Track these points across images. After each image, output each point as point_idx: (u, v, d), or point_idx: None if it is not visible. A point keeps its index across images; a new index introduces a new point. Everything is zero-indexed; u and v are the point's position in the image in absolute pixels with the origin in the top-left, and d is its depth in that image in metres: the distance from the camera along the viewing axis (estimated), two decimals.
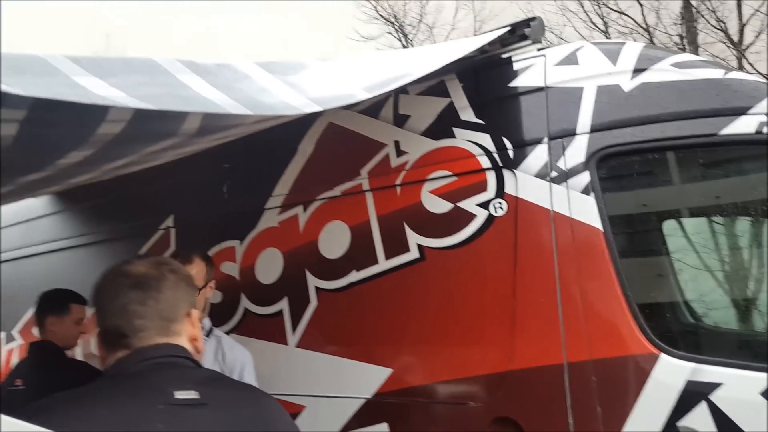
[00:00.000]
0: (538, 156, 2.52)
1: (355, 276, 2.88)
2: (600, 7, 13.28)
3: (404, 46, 15.53)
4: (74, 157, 1.70)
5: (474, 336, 2.58)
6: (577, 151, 2.46)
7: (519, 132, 2.60)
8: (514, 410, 2.41)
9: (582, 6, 13.37)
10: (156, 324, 1.41)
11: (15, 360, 4.34)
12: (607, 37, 13.04)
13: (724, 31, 11.88)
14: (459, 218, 2.65)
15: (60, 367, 3.13)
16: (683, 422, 2.13)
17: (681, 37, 12.39)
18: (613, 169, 2.46)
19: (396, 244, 2.79)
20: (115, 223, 3.98)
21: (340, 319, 2.94)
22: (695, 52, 11.93)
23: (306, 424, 2.86)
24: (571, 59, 2.57)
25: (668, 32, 12.62)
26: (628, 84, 2.44)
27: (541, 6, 13.34)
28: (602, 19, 13.31)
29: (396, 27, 15.76)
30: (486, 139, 2.64)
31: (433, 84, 2.78)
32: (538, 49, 2.68)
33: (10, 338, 4.51)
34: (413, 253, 2.75)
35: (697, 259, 2.52)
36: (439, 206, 2.71)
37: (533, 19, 2.74)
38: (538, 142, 2.53)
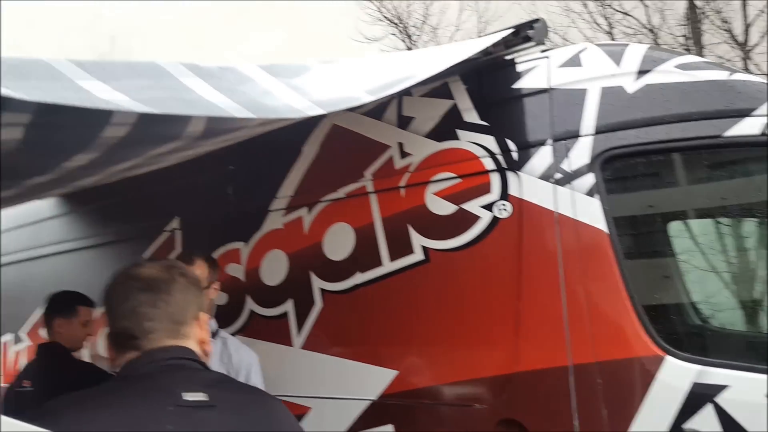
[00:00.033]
0: (543, 158, 2.52)
1: (359, 278, 2.89)
2: (604, 8, 13.25)
3: (408, 48, 15.52)
4: (79, 160, 1.71)
5: (479, 338, 2.58)
6: (581, 153, 2.46)
7: (523, 134, 2.60)
8: (520, 412, 2.41)
9: (586, 7, 13.35)
10: (166, 326, 1.43)
11: (23, 361, 4.36)
12: (612, 38, 13.00)
13: (729, 31, 11.84)
14: (463, 220, 2.65)
15: (67, 368, 3.14)
16: (689, 424, 2.12)
17: (686, 37, 12.35)
18: (617, 170, 2.46)
19: (400, 246, 2.79)
20: (121, 225, 4.00)
21: (344, 321, 2.95)
22: (700, 52, 11.89)
23: (311, 426, 2.86)
24: (574, 61, 2.57)
25: (673, 33, 12.59)
26: (632, 85, 2.43)
27: (545, 7, 13.32)
28: (606, 20, 13.29)
29: (400, 28, 15.76)
30: (490, 141, 2.65)
31: (437, 86, 2.79)
32: (542, 51, 2.68)
33: (17, 339, 4.53)
34: (417, 255, 2.75)
35: (702, 261, 2.52)
36: (443, 208, 2.71)
37: (537, 20, 2.74)
38: (542, 143, 2.53)
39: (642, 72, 2.44)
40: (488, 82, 2.74)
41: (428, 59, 2.41)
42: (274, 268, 3.17)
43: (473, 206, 2.64)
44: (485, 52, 2.67)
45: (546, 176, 2.50)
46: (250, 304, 3.25)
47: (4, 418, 1.00)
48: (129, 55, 18.43)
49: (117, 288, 1.46)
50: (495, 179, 2.61)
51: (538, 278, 2.46)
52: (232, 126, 1.75)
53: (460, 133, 2.72)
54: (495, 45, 2.68)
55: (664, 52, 2.71)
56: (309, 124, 2.99)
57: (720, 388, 2.11)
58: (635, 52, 2.50)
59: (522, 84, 2.63)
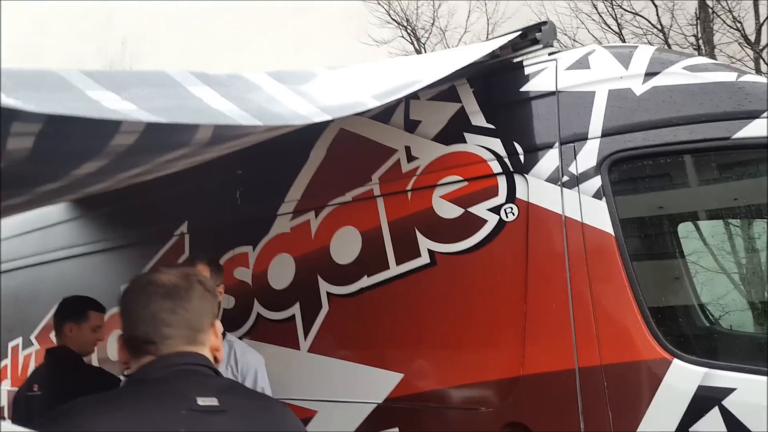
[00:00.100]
0: (550, 160, 2.52)
1: (366, 281, 2.90)
2: (614, 9, 13.20)
3: (417, 50, 15.52)
4: (89, 167, 1.73)
5: (485, 341, 2.58)
6: (588, 156, 2.46)
7: (530, 137, 2.60)
8: (526, 415, 2.40)
9: (596, 8, 13.29)
10: (183, 333, 1.46)
11: (32, 366, 4.40)
12: (622, 39, 12.94)
13: (741, 30, 11.75)
14: (470, 223, 2.65)
15: (77, 372, 3.17)
16: (695, 428, 2.12)
17: (696, 37, 12.27)
18: (624, 173, 2.46)
19: (407, 250, 2.80)
20: (130, 229, 4.03)
21: (351, 324, 2.96)
22: (711, 52, 11.81)
23: (318, 429, 2.87)
24: (582, 63, 2.57)
25: (683, 32, 12.52)
26: (640, 88, 2.43)
27: (554, 7, 13.27)
28: (616, 20, 13.22)
29: (408, 30, 15.77)
30: (497, 144, 2.65)
31: (444, 89, 2.79)
32: (550, 54, 2.67)
33: (27, 343, 4.57)
34: (424, 259, 2.76)
35: (709, 264, 2.51)
36: (450, 211, 2.72)
37: (545, 23, 2.74)
38: (550, 146, 2.53)
39: (650, 74, 2.43)
40: (496, 85, 2.74)
41: (435, 63, 2.41)
42: (282, 272, 3.18)
43: (480, 209, 2.64)
44: (493, 54, 2.67)
45: (553, 179, 2.50)
46: (258, 308, 3.26)
47: (3, 423, 1.02)
48: (139, 58, 18.55)
49: (136, 293, 1.49)
50: (502, 182, 2.61)
51: (545, 281, 2.46)
52: (240, 132, 1.77)
53: (467, 136, 2.72)
54: (502, 48, 2.69)
55: (672, 54, 2.71)
56: (316, 128, 3.01)
57: (727, 391, 2.10)
58: (643, 54, 2.50)
59: (529, 87, 2.63)
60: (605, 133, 2.45)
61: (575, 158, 2.47)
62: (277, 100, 1.59)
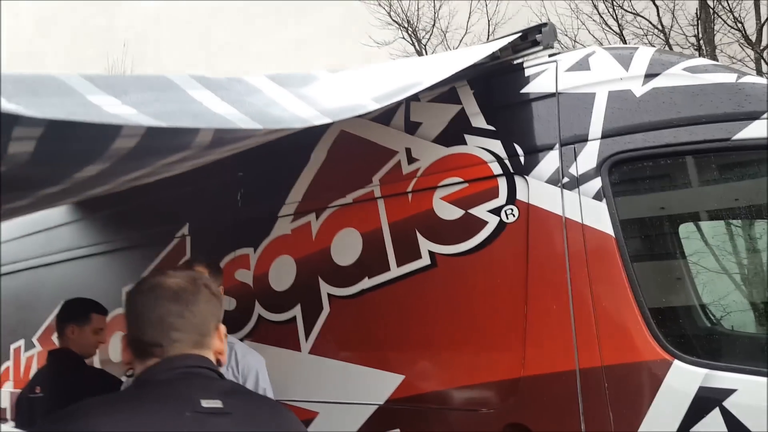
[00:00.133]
0: (550, 162, 2.52)
1: (367, 283, 2.90)
2: (615, 10, 13.18)
3: (418, 51, 15.53)
4: (90, 170, 1.74)
5: (486, 342, 2.59)
6: (588, 157, 2.46)
7: (530, 138, 2.60)
8: (527, 416, 2.41)
9: (596, 8, 13.28)
10: (191, 337, 1.48)
11: (34, 367, 4.41)
12: (622, 39, 12.93)
13: (742, 31, 11.74)
14: (470, 225, 2.66)
15: (79, 374, 3.18)
16: (696, 429, 2.12)
17: (697, 38, 12.26)
18: (624, 174, 2.46)
19: (408, 251, 2.80)
20: (131, 231, 4.04)
21: (352, 326, 2.96)
22: (712, 52, 11.80)
23: (319, 430, 2.88)
24: (582, 65, 2.58)
25: (684, 33, 12.50)
26: (640, 89, 2.43)
27: (555, 8, 13.25)
28: (617, 21, 13.21)
29: (409, 32, 15.77)
30: (497, 146, 2.65)
31: (445, 91, 2.80)
32: (550, 55, 2.68)
33: (29, 345, 4.58)
34: (425, 260, 2.76)
35: (709, 264, 2.51)
36: (450, 213, 2.72)
37: (545, 24, 2.75)
38: (550, 148, 2.54)
39: (650, 75, 2.43)
40: (496, 87, 2.75)
41: (435, 65, 2.42)
42: (283, 274, 3.19)
43: (480, 211, 2.65)
44: (493, 56, 2.68)
45: (553, 180, 2.50)
46: (259, 310, 3.27)
47: (4, 425, 1.03)
48: (140, 61, 18.56)
49: (144, 297, 1.50)
50: (502, 184, 2.62)
51: (546, 282, 2.46)
52: (241, 135, 1.78)
53: (467, 137, 2.73)
54: (503, 49, 2.69)
55: (672, 55, 2.71)
56: (317, 130, 3.00)
57: (727, 392, 2.10)
58: (643, 56, 2.50)
59: (530, 88, 2.64)
60: (605, 135, 2.45)
61: (575, 160, 2.47)
62: (278, 103, 1.60)
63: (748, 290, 2.54)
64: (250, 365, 2.86)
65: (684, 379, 2.17)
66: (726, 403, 2.09)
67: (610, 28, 13.23)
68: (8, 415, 4.38)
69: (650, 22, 12.84)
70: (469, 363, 2.60)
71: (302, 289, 3.12)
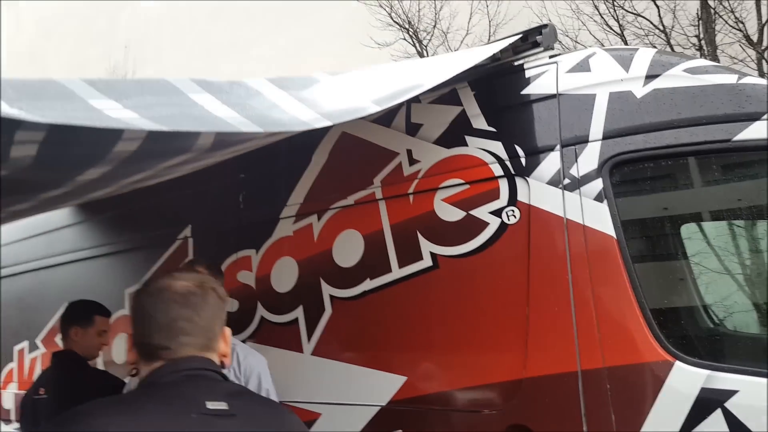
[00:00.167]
0: (551, 163, 2.53)
1: (368, 284, 2.91)
2: (615, 10, 13.17)
3: (419, 52, 15.53)
4: (92, 173, 1.74)
5: (488, 344, 2.59)
6: (589, 158, 2.46)
7: (531, 139, 2.61)
8: (529, 418, 2.41)
9: (597, 9, 13.27)
10: (199, 341, 1.49)
11: (38, 368, 4.42)
12: (623, 40, 12.92)
13: (743, 31, 11.73)
14: (472, 226, 2.66)
15: (82, 376, 3.19)
16: (698, 430, 2.11)
17: (698, 38, 12.25)
18: (625, 175, 2.46)
19: (409, 253, 2.81)
20: (134, 233, 4.05)
21: (354, 327, 2.97)
22: (713, 53, 11.78)
23: None
24: (583, 66, 2.58)
25: (685, 33, 12.49)
26: (640, 90, 2.43)
27: (556, 9, 13.25)
28: (618, 21, 13.20)
29: (410, 33, 15.77)
30: (498, 147, 2.66)
31: (445, 92, 2.80)
32: (551, 56, 2.68)
33: (33, 347, 4.60)
34: (426, 261, 2.77)
35: (711, 265, 2.51)
36: (451, 214, 2.73)
37: (545, 26, 2.75)
38: (551, 149, 2.54)
39: (650, 77, 2.44)
40: (497, 88, 2.75)
41: (436, 67, 2.42)
42: (285, 275, 3.19)
43: (482, 212, 2.65)
44: (494, 58, 2.68)
45: (554, 182, 2.50)
46: (261, 311, 3.28)
47: (4, 426, 1.03)
48: (142, 62, 18.60)
49: (152, 299, 1.50)
50: (503, 185, 2.62)
51: (547, 284, 2.46)
52: (242, 138, 1.78)
53: (468, 139, 2.73)
54: (503, 51, 2.70)
55: (672, 56, 2.71)
56: (318, 132, 3.01)
57: (729, 393, 2.10)
58: (643, 57, 2.50)
59: (530, 90, 2.64)
60: (606, 136, 2.45)
61: (576, 161, 2.47)
62: (278, 106, 1.60)
63: (749, 291, 2.54)
64: (252, 366, 2.87)
65: (686, 380, 2.17)
66: (728, 404, 2.09)
67: (611, 29, 13.23)
68: (12, 416, 4.40)
69: (651, 23, 12.83)
70: (471, 364, 2.61)
71: (304, 291, 3.12)
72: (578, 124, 2.50)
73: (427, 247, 2.77)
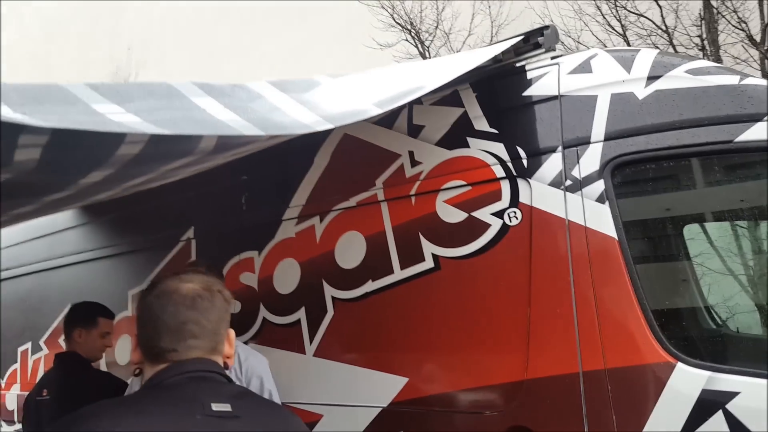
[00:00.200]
0: (553, 165, 2.53)
1: (370, 286, 2.91)
2: (618, 10, 13.15)
3: (421, 53, 15.53)
4: (95, 176, 1.75)
5: (489, 345, 2.59)
6: (591, 160, 2.46)
7: (533, 141, 2.61)
8: (530, 419, 2.41)
9: (599, 9, 13.25)
10: (206, 344, 1.50)
11: (41, 370, 4.44)
12: (626, 40, 12.90)
13: (746, 31, 11.70)
14: (474, 228, 2.66)
15: (85, 377, 3.20)
16: (699, 431, 2.12)
17: (701, 38, 12.22)
18: (627, 177, 2.46)
19: (411, 254, 2.81)
20: (137, 235, 4.06)
21: (356, 329, 2.97)
22: (716, 53, 11.76)
23: None
24: (584, 67, 2.58)
25: (688, 33, 12.47)
26: (642, 91, 2.44)
27: (558, 9, 13.23)
28: (620, 22, 13.18)
29: (412, 34, 15.78)
30: (500, 149, 2.66)
31: (447, 94, 2.81)
32: (552, 58, 2.68)
33: (36, 348, 4.61)
34: (428, 263, 2.77)
35: (712, 267, 2.51)
36: (453, 216, 2.73)
37: (547, 27, 2.75)
38: (553, 150, 2.54)
39: (652, 78, 2.44)
40: (498, 90, 2.75)
41: (438, 69, 2.43)
42: (287, 277, 3.20)
43: (484, 214, 2.65)
44: (495, 59, 2.68)
45: (556, 183, 2.50)
46: (264, 313, 3.29)
47: (4, 426, 1.04)
48: (145, 63, 18.65)
49: (160, 302, 1.50)
50: (505, 187, 2.62)
51: (549, 285, 2.46)
52: (244, 140, 1.79)
53: (470, 140, 2.74)
54: (505, 52, 2.70)
55: (674, 57, 2.71)
56: (320, 133, 3.01)
57: (730, 395, 2.10)
58: (645, 58, 2.50)
59: (532, 91, 2.64)
60: (608, 137, 2.45)
61: (578, 162, 2.47)
62: (280, 109, 1.61)
63: (750, 292, 2.54)
64: (253, 367, 2.88)
65: (687, 381, 2.17)
66: (729, 406, 2.09)
67: (614, 29, 13.20)
68: (15, 418, 4.41)
69: (654, 23, 12.81)
70: (473, 365, 2.61)
71: (306, 292, 3.13)
72: (580, 125, 2.50)
73: (428, 248, 2.77)
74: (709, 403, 2.12)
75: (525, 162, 2.59)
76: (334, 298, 3.03)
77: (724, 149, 2.32)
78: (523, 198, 2.57)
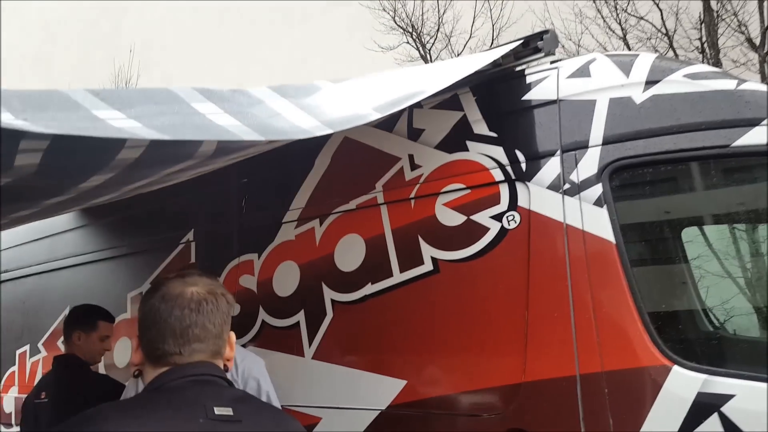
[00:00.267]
0: (551, 168, 2.54)
1: (370, 288, 2.92)
2: (618, 14, 13.17)
3: (422, 55, 15.54)
4: (95, 180, 1.76)
5: (487, 348, 2.60)
6: (589, 164, 2.47)
7: (532, 145, 2.62)
8: (528, 421, 2.42)
9: (600, 12, 13.26)
10: (209, 347, 1.51)
11: (39, 372, 4.44)
12: (626, 44, 12.91)
13: (746, 34, 11.71)
14: (472, 231, 2.67)
15: (84, 380, 3.20)
16: None
17: (701, 41, 12.24)
18: (625, 181, 2.47)
19: (410, 257, 2.82)
20: (137, 237, 4.07)
21: (355, 331, 2.98)
22: (716, 56, 11.77)
23: None
24: (583, 71, 2.59)
25: (688, 36, 12.48)
26: (640, 96, 2.45)
27: (559, 12, 13.24)
28: (620, 25, 13.19)
29: (414, 36, 15.78)
30: (499, 152, 2.67)
31: (447, 97, 2.82)
32: (552, 62, 2.69)
33: (35, 351, 4.61)
34: (427, 266, 2.78)
35: (709, 270, 2.52)
36: (452, 219, 2.74)
37: (546, 32, 2.76)
38: (551, 154, 2.55)
39: (650, 82, 2.45)
40: (498, 94, 2.76)
41: (437, 73, 2.44)
42: (287, 280, 3.21)
43: (482, 217, 2.66)
44: (495, 63, 2.69)
45: (555, 187, 2.51)
46: (263, 315, 3.29)
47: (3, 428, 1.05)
48: (147, 65, 18.66)
49: (165, 306, 1.50)
50: (504, 190, 2.63)
51: (547, 288, 2.47)
52: (244, 145, 1.80)
53: (469, 144, 2.75)
54: (504, 56, 2.71)
55: (672, 62, 2.72)
56: (320, 137, 3.03)
57: (726, 398, 2.11)
58: (643, 63, 2.52)
59: (531, 95, 2.65)
60: (606, 141, 2.46)
61: (576, 166, 2.48)
62: (280, 114, 1.62)
63: (746, 296, 2.55)
64: (250, 369, 2.88)
65: (683, 384, 2.18)
66: (724, 409, 2.10)
67: (614, 32, 13.21)
68: (13, 420, 4.41)
69: (654, 26, 12.82)
70: (471, 368, 2.62)
71: (306, 295, 3.14)
72: (578, 129, 2.51)
73: (428, 251, 2.78)
74: (704, 406, 2.13)
75: (524, 166, 2.60)
76: (333, 301, 3.04)
77: (721, 153, 2.33)
78: (522, 201, 2.58)
